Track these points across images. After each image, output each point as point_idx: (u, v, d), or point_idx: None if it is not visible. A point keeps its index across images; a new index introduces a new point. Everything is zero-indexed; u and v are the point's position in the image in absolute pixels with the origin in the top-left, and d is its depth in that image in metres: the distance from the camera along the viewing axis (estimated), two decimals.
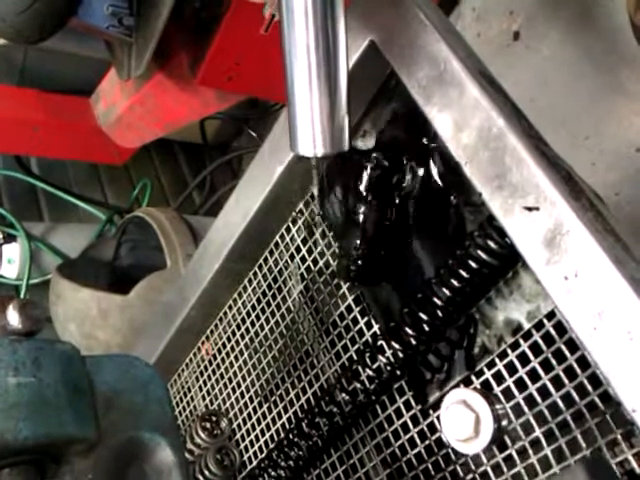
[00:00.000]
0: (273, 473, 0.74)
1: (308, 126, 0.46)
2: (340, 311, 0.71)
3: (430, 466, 0.61)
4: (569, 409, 0.50)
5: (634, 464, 0.47)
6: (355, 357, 0.68)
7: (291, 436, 0.71)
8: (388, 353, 0.61)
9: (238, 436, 0.86)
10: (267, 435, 0.81)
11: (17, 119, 1.55)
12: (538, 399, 0.52)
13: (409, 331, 0.58)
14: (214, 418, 0.87)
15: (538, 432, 0.52)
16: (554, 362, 0.51)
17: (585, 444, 0.49)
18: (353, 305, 0.70)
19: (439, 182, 0.59)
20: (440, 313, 0.56)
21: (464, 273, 0.54)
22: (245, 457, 0.84)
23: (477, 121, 0.51)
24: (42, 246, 1.67)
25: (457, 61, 0.53)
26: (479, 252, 0.53)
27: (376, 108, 0.68)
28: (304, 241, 0.76)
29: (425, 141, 0.61)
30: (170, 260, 1.45)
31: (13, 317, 0.46)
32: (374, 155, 0.62)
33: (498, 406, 0.53)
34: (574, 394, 0.50)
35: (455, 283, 0.55)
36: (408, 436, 0.63)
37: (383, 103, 0.67)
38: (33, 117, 1.57)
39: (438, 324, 0.57)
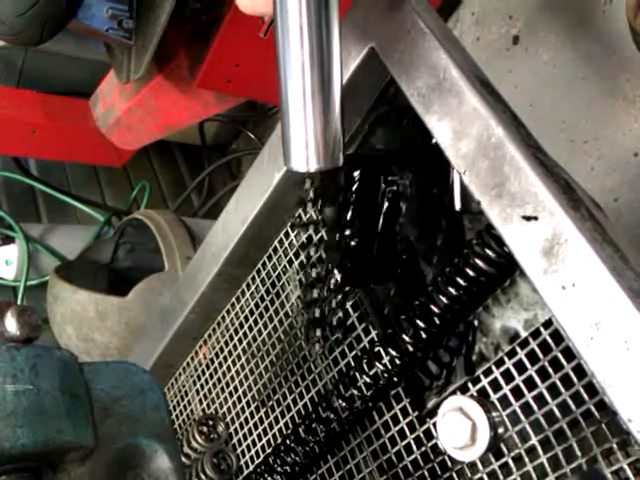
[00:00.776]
0: (270, 478, 0.74)
1: (302, 141, 0.45)
2: (338, 317, 0.71)
3: (426, 473, 0.61)
4: (565, 417, 0.50)
5: (629, 473, 0.47)
6: (353, 363, 0.68)
7: (288, 441, 0.71)
8: (385, 360, 0.61)
9: (235, 440, 0.86)
10: (264, 440, 0.81)
11: (16, 120, 1.55)
12: (534, 407, 0.52)
13: (406, 338, 0.58)
14: (211, 422, 0.87)
15: (534, 440, 0.52)
16: (550, 370, 0.51)
17: (581, 452, 0.49)
18: (351, 311, 0.70)
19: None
20: (437, 320, 0.57)
21: (462, 281, 0.54)
22: (242, 461, 0.84)
23: (476, 130, 0.51)
24: (40, 247, 1.68)
25: (456, 70, 0.53)
26: (477, 260, 0.53)
27: (375, 114, 0.68)
28: (302, 246, 0.76)
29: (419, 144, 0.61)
30: (168, 262, 1.45)
31: (11, 324, 0.46)
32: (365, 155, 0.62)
33: (494, 414, 0.53)
34: (570, 402, 0.50)
35: (452, 291, 0.55)
36: (404, 443, 0.63)
37: (382, 108, 0.67)
38: (32, 119, 1.57)
39: (435, 331, 0.57)
